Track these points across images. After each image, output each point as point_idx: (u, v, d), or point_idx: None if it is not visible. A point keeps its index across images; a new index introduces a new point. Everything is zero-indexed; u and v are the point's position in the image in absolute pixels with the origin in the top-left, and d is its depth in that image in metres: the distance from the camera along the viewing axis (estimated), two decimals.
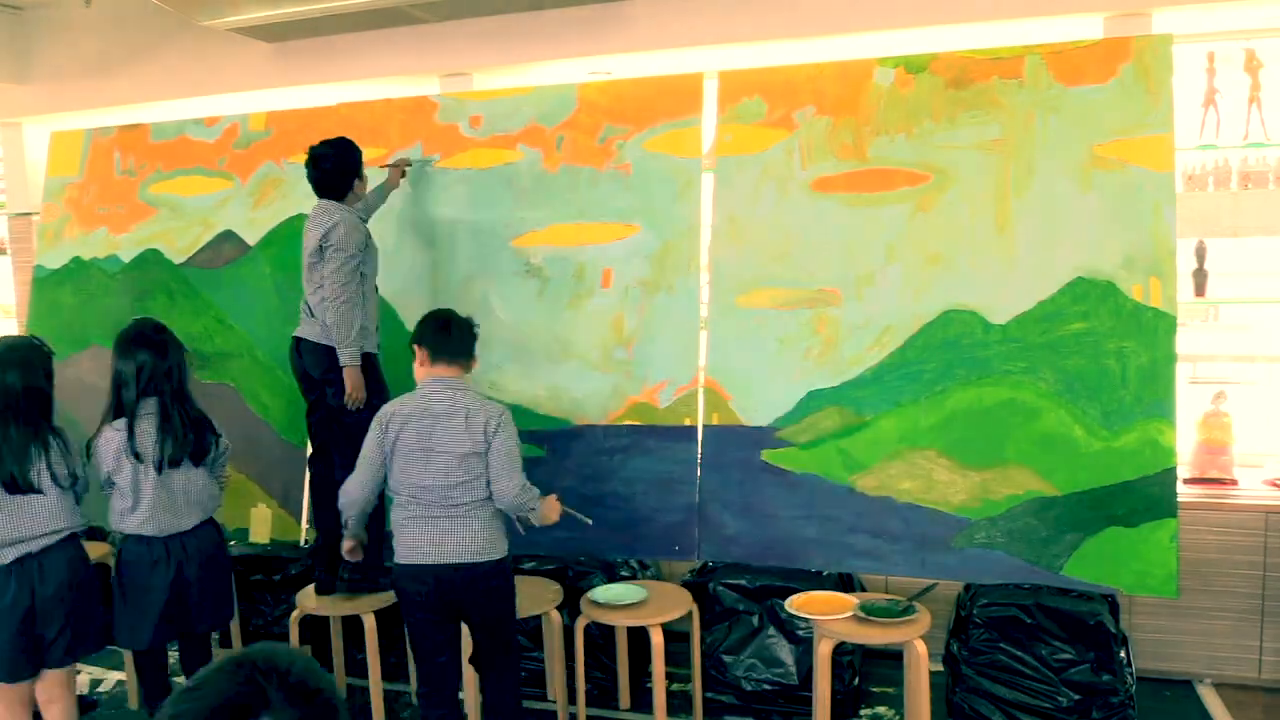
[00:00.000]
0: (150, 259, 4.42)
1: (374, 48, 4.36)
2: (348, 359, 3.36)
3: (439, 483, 2.83)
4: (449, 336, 2.95)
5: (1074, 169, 3.27)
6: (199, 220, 4.36)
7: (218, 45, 4.58)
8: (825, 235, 3.51)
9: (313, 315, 3.47)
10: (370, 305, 3.52)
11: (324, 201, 3.49)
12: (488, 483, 2.86)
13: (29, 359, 3.01)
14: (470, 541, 2.84)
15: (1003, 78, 3.36)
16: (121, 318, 4.41)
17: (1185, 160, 3.74)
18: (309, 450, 3.69)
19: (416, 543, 2.85)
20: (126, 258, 4.47)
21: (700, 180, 3.67)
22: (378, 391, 3.52)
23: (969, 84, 3.39)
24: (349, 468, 3.35)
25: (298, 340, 3.52)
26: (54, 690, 3.01)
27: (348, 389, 3.37)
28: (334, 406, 3.47)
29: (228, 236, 4.30)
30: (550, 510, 3.03)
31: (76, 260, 4.57)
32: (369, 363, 3.52)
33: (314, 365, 3.48)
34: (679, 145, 3.69)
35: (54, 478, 2.96)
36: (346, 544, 3.09)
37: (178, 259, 4.37)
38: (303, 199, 4.16)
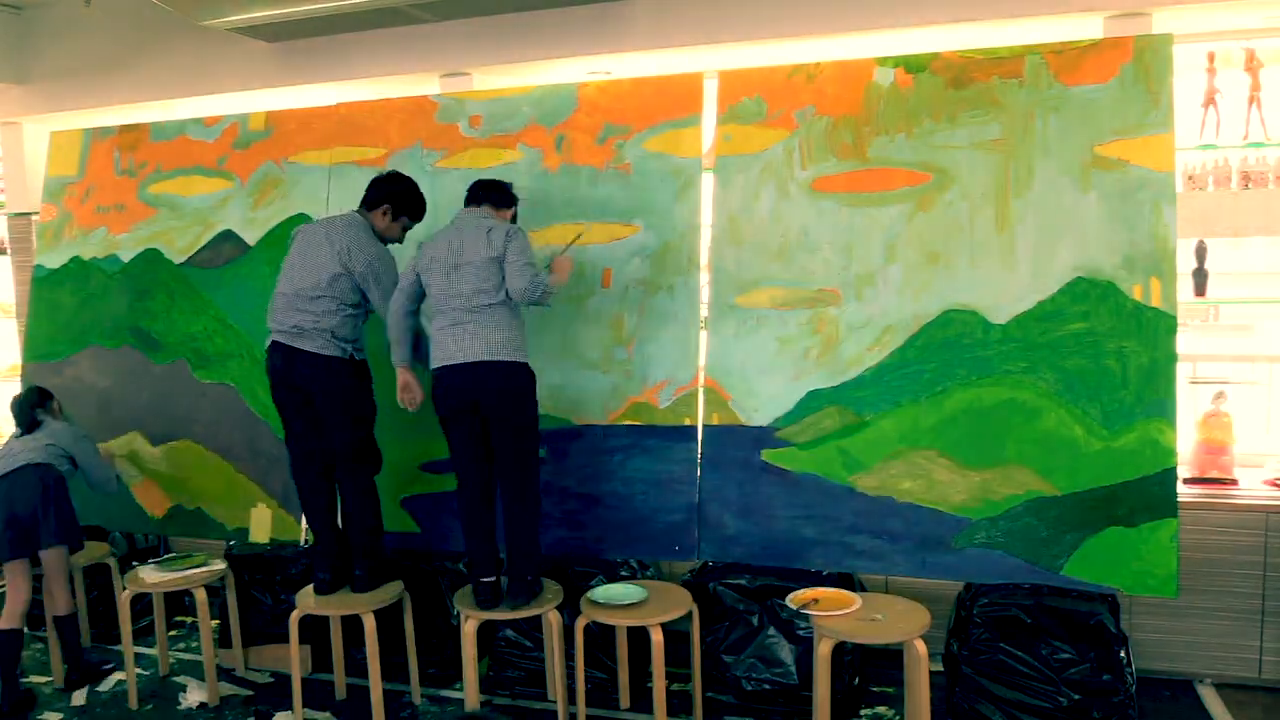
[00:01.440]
0: (150, 259, 4.42)
1: (374, 47, 4.36)
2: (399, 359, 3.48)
3: (465, 289, 3.24)
4: (469, 193, 3.43)
5: (1074, 169, 3.27)
6: (199, 220, 4.36)
7: (217, 45, 4.58)
8: (825, 235, 3.51)
9: (315, 326, 3.44)
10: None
11: (354, 215, 3.57)
12: (505, 288, 3.26)
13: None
14: (490, 344, 3.23)
15: (1003, 77, 3.36)
16: (121, 317, 4.44)
17: (1185, 160, 3.74)
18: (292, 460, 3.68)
19: (447, 348, 3.25)
20: (126, 257, 4.47)
21: (700, 180, 3.67)
22: (367, 399, 3.59)
23: (969, 83, 3.39)
24: (352, 474, 3.40)
25: (291, 351, 3.44)
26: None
27: (400, 391, 3.50)
28: (330, 420, 3.49)
29: (227, 236, 4.30)
30: (561, 269, 3.42)
31: (76, 260, 4.57)
32: (362, 370, 3.57)
33: (312, 379, 3.45)
34: (679, 145, 3.69)
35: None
36: (400, 380, 3.47)
37: (177, 259, 4.37)
38: (302, 198, 4.17)
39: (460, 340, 3.24)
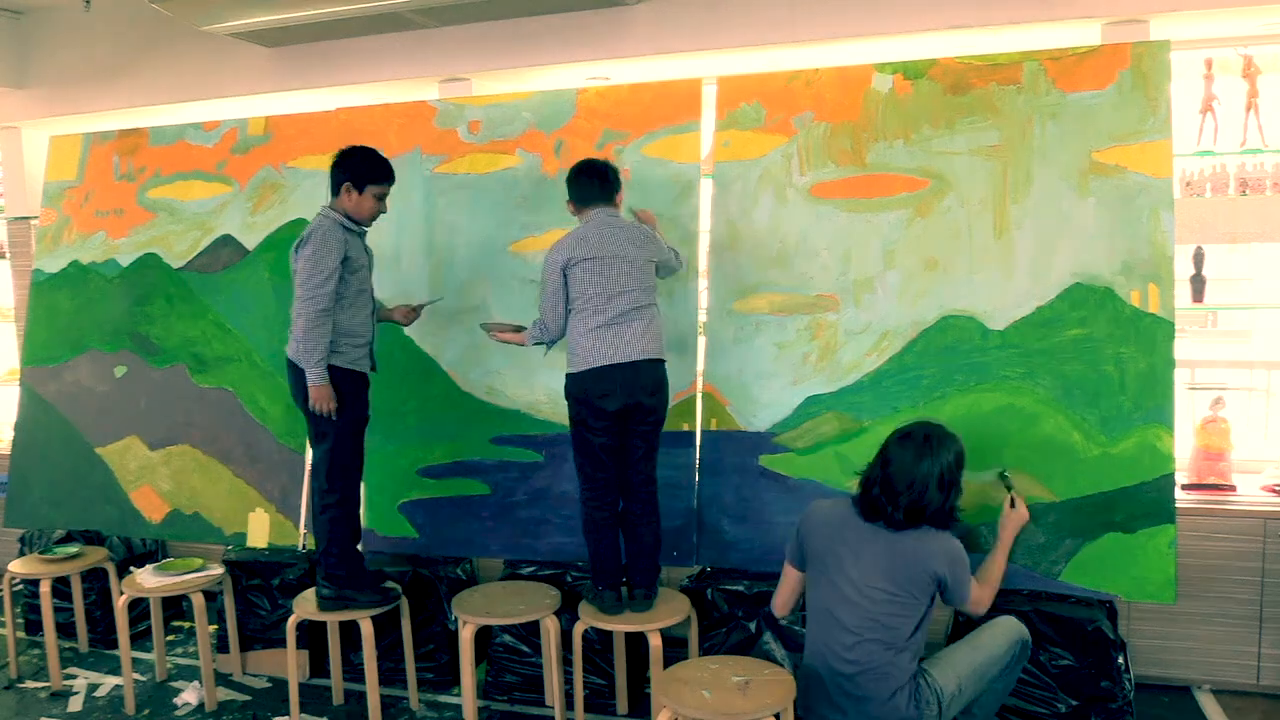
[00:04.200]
0: (149, 263, 4.42)
1: (373, 53, 4.36)
2: (314, 378, 3.29)
3: (624, 290, 3.19)
4: (580, 187, 3.30)
5: (1072, 175, 3.27)
6: (197, 224, 4.36)
7: (217, 50, 4.59)
8: (823, 241, 3.51)
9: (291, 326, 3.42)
10: (360, 319, 3.44)
11: (323, 206, 3.43)
12: (655, 287, 3.32)
13: None
14: (650, 341, 3.24)
15: (1001, 84, 3.36)
16: (120, 321, 4.44)
17: (1183, 166, 3.74)
18: (309, 454, 3.68)
19: (601, 348, 3.18)
20: (125, 262, 4.47)
21: (699, 185, 3.67)
22: (359, 411, 3.46)
23: (967, 90, 3.40)
24: (332, 491, 3.39)
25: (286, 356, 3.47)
26: None
27: (312, 400, 3.31)
28: (310, 428, 3.45)
29: (226, 241, 4.30)
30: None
31: (75, 264, 4.57)
32: (355, 380, 3.43)
33: (291, 385, 3.44)
34: (677, 150, 3.70)
35: None
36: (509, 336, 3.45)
37: (176, 263, 4.37)
38: (301, 203, 4.18)
39: (620, 341, 3.23)
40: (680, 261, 3.50)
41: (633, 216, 3.49)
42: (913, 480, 2.71)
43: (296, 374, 3.37)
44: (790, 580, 2.97)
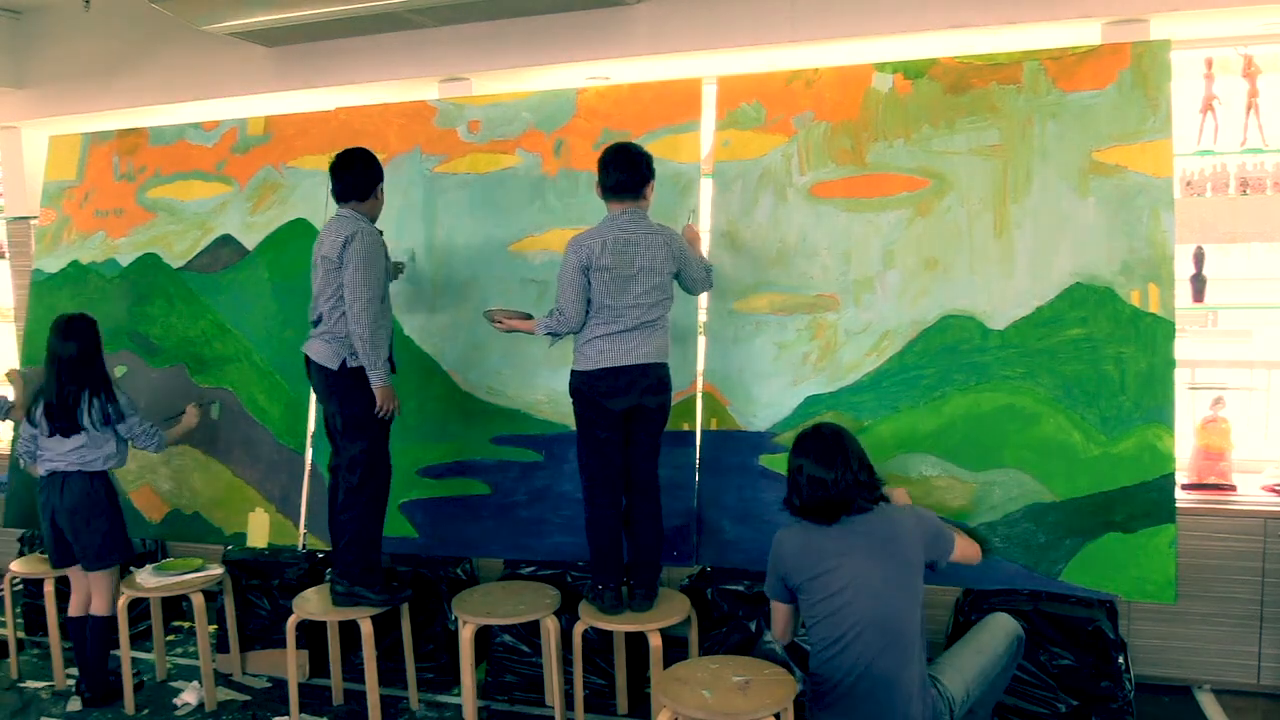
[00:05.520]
0: (148, 263, 4.41)
1: (373, 52, 4.36)
2: (378, 379, 3.33)
3: (637, 303, 3.17)
4: (609, 175, 3.20)
5: (1072, 174, 3.27)
6: (197, 224, 4.36)
7: (216, 50, 4.58)
8: (824, 240, 3.51)
9: (317, 327, 3.42)
10: (386, 321, 3.46)
11: (342, 209, 3.42)
12: (670, 298, 3.28)
13: (84, 330, 3.65)
14: (656, 348, 3.25)
15: (1001, 83, 3.36)
16: (120, 321, 4.43)
17: (1183, 166, 3.74)
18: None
19: (611, 351, 3.18)
20: (125, 262, 4.47)
21: (699, 185, 3.67)
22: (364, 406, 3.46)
23: (968, 89, 3.40)
24: (340, 487, 3.36)
25: (306, 356, 3.46)
26: (91, 584, 3.73)
27: (379, 403, 3.35)
28: (335, 430, 3.46)
29: (226, 241, 4.29)
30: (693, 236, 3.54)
31: (75, 264, 4.57)
32: (359, 376, 3.42)
33: (318, 385, 3.46)
34: (677, 150, 3.70)
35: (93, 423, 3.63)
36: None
37: (176, 263, 4.37)
38: (301, 203, 4.18)
39: (628, 347, 3.22)
40: (710, 281, 3.45)
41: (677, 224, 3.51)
42: (831, 461, 2.66)
43: (325, 375, 3.38)
44: (781, 612, 2.86)
